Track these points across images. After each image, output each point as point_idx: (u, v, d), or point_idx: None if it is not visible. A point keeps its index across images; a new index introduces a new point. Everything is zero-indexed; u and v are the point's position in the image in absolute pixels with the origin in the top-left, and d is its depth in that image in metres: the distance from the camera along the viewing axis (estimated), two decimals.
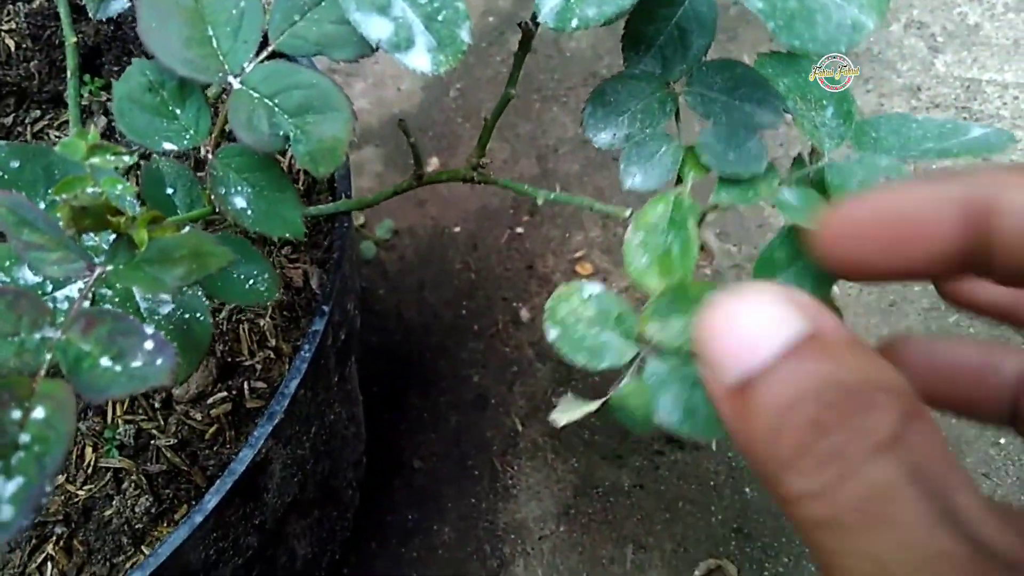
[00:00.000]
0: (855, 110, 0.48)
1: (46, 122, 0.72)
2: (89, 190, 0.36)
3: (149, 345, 0.33)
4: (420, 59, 0.38)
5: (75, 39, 0.60)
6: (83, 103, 0.74)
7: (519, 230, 1.13)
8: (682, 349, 0.42)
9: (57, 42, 0.75)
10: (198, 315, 0.44)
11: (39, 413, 0.32)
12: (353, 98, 1.24)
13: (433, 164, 1.18)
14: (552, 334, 0.44)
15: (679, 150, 0.48)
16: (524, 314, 1.06)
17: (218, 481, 0.48)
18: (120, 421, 0.58)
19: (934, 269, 0.28)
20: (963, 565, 0.20)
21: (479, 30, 1.32)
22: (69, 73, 0.60)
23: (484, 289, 1.09)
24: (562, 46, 1.30)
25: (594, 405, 0.44)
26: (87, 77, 0.74)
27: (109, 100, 0.73)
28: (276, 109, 0.40)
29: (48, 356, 0.33)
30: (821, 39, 0.41)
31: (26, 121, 0.71)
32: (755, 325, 0.25)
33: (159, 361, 0.33)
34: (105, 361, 0.32)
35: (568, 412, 0.44)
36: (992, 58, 1.23)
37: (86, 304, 0.37)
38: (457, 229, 1.14)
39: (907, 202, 0.28)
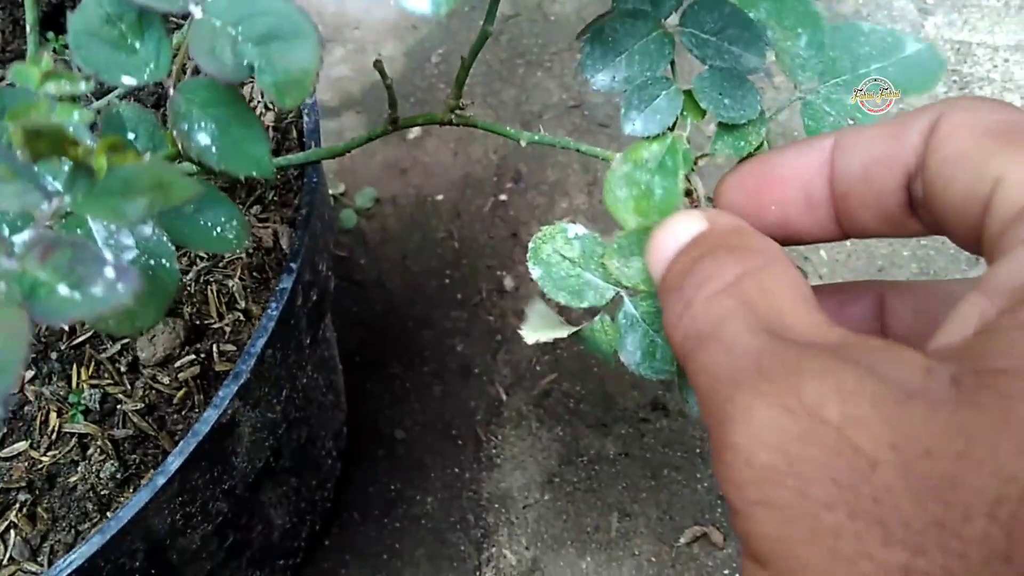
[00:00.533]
0: (827, 40, 0.47)
1: (9, 82, 0.70)
2: (42, 118, 0.34)
3: (110, 272, 0.31)
4: (420, 0, 0.36)
5: None
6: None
7: (503, 198, 1.11)
8: (638, 288, 0.42)
9: (20, 0, 0.72)
10: (164, 261, 0.42)
11: None
12: (334, 64, 1.23)
13: (415, 131, 1.16)
14: (535, 272, 0.44)
15: (678, 94, 0.46)
16: (508, 283, 1.04)
17: (181, 442, 0.47)
18: (85, 385, 0.56)
19: (824, 232, 0.34)
20: (763, 353, 0.25)
21: None
22: (28, 28, 0.58)
23: (468, 258, 1.07)
24: (546, 11, 1.27)
25: (565, 331, 0.44)
26: (51, 34, 0.72)
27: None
28: (239, 37, 0.38)
29: (2, 286, 0.32)
30: None
31: None
32: (675, 235, 0.33)
33: (120, 287, 0.31)
34: (63, 289, 0.31)
35: (538, 331, 0.44)
36: (982, 20, 1.21)
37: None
38: (440, 197, 1.12)
39: (776, 176, 0.35)
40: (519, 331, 0.43)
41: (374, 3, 1.25)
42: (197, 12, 0.39)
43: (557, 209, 1.09)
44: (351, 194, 1.11)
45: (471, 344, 1.00)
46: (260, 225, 0.61)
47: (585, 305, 0.44)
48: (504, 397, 0.96)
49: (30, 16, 0.58)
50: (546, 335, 0.43)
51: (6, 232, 0.40)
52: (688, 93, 0.47)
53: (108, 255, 0.31)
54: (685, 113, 0.47)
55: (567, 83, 1.20)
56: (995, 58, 1.18)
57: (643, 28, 0.47)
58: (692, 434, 0.93)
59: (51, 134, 0.34)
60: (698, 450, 0.92)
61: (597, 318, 0.44)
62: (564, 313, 0.45)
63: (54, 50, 0.71)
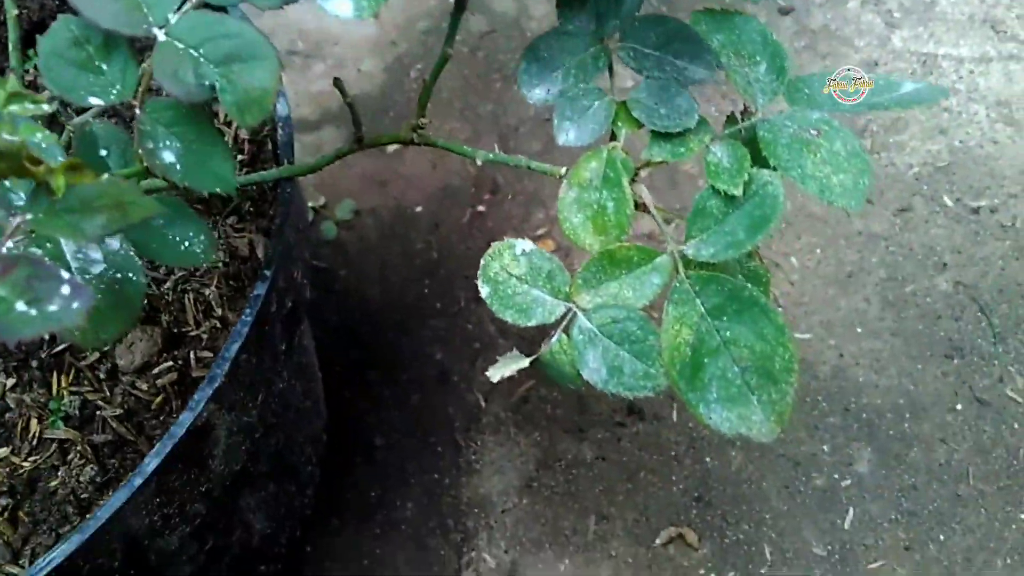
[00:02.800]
0: (788, 66, 0.49)
1: None
2: (6, 136, 0.35)
3: (66, 290, 0.33)
4: (342, 5, 0.38)
5: (16, 12, 0.59)
6: (28, 78, 0.73)
7: (480, 209, 1.13)
8: (616, 311, 0.43)
9: (2, 18, 0.74)
10: (130, 275, 0.44)
11: None
12: (313, 80, 1.25)
13: (393, 146, 1.18)
14: (484, 291, 0.46)
15: (611, 104, 0.48)
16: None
17: (158, 444, 0.48)
18: (65, 392, 0.58)
19: None
20: None
21: (440, 12, 1.32)
22: (11, 46, 0.60)
23: (446, 268, 1.09)
24: (523, 26, 1.30)
25: (525, 361, 0.45)
26: (31, 52, 0.73)
27: None
28: (202, 59, 0.40)
29: None
30: None
31: None
32: None
33: (75, 304, 0.33)
34: (20, 305, 0.32)
35: (501, 368, 0.45)
36: (948, 33, 1.24)
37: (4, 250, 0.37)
38: (419, 209, 1.14)
39: None
40: (486, 373, 0.44)
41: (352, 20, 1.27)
42: (161, 35, 0.41)
43: (533, 219, 1.11)
44: (331, 206, 1.13)
45: (450, 352, 1.02)
46: (236, 235, 0.62)
47: (534, 323, 0.44)
48: (483, 404, 0.98)
49: (12, 35, 0.60)
50: (508, 370, 0.44)
51: None
52: (623, 104, 0.49)
53: (65, 273, 0.33)
54: (620, 124, 0.49)
55: None
56: (960, 70, 1.21)
57: (580, 45, 0.49)
58: (667, 437, 0.95)
59: (12, 155, 0.35)
60: (673, 453, 0.94)
61: (554, 339, 0.44)
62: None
63: (34, 67, 0.73)
